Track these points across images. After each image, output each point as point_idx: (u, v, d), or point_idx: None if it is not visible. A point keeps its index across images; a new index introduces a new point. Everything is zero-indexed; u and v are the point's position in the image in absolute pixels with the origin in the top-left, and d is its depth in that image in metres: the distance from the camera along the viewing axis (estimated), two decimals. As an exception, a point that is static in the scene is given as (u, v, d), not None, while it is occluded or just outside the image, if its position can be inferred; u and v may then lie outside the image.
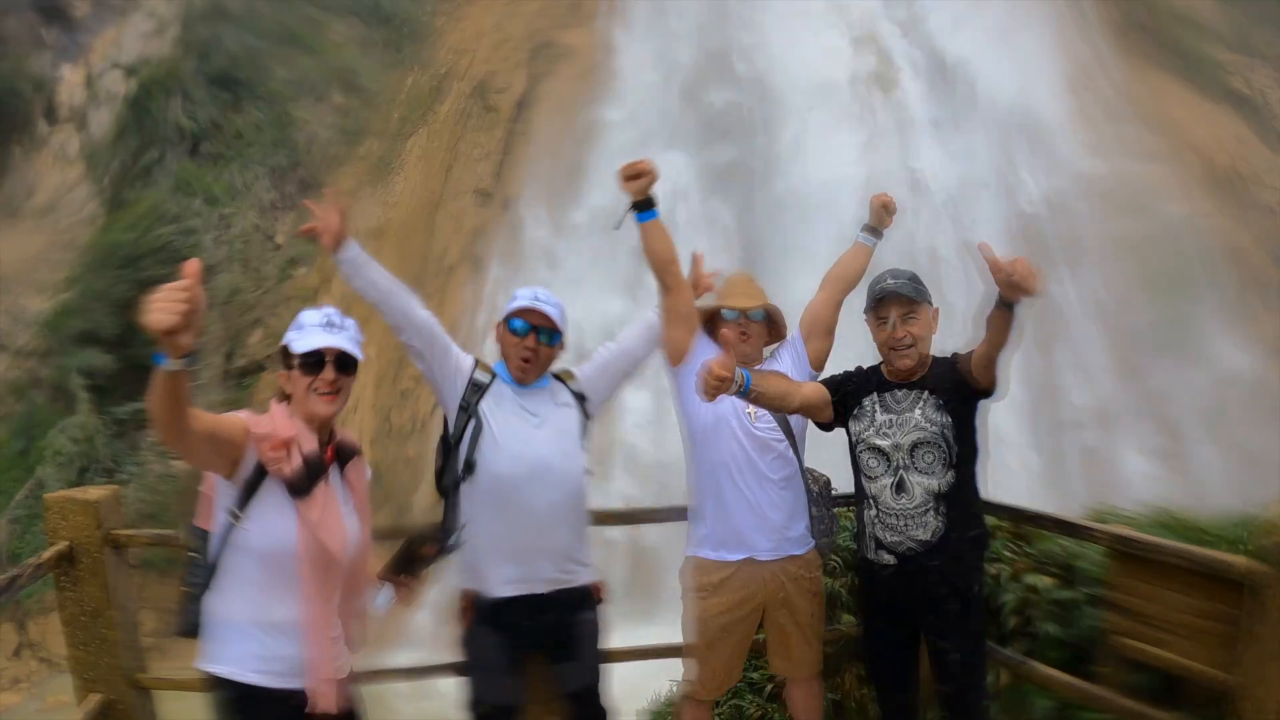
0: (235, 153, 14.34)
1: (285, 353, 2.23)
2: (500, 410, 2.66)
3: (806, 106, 13.12)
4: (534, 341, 2.69)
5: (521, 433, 2.64)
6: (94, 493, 3.14)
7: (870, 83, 13.50)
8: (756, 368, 2.91)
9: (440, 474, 2.72)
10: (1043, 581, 3.45)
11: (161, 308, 1.67)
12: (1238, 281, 11.79)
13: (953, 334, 3.03)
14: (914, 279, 2.79)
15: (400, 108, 15.07)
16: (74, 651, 3.18)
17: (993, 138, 12.79)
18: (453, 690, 2.78)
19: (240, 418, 2.14)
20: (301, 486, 2.13)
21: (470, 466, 2.60)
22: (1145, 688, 2.93)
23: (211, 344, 12.32)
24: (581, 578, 2.74)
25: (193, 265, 1.72)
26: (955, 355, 2.82)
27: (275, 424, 2.15)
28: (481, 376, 2.71)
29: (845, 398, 2.88)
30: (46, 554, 3.03)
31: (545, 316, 2.70)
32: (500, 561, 2.61)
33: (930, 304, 2.80)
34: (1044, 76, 13.29)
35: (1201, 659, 2.68)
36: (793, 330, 3.11)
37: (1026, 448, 10.62)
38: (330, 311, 2.26)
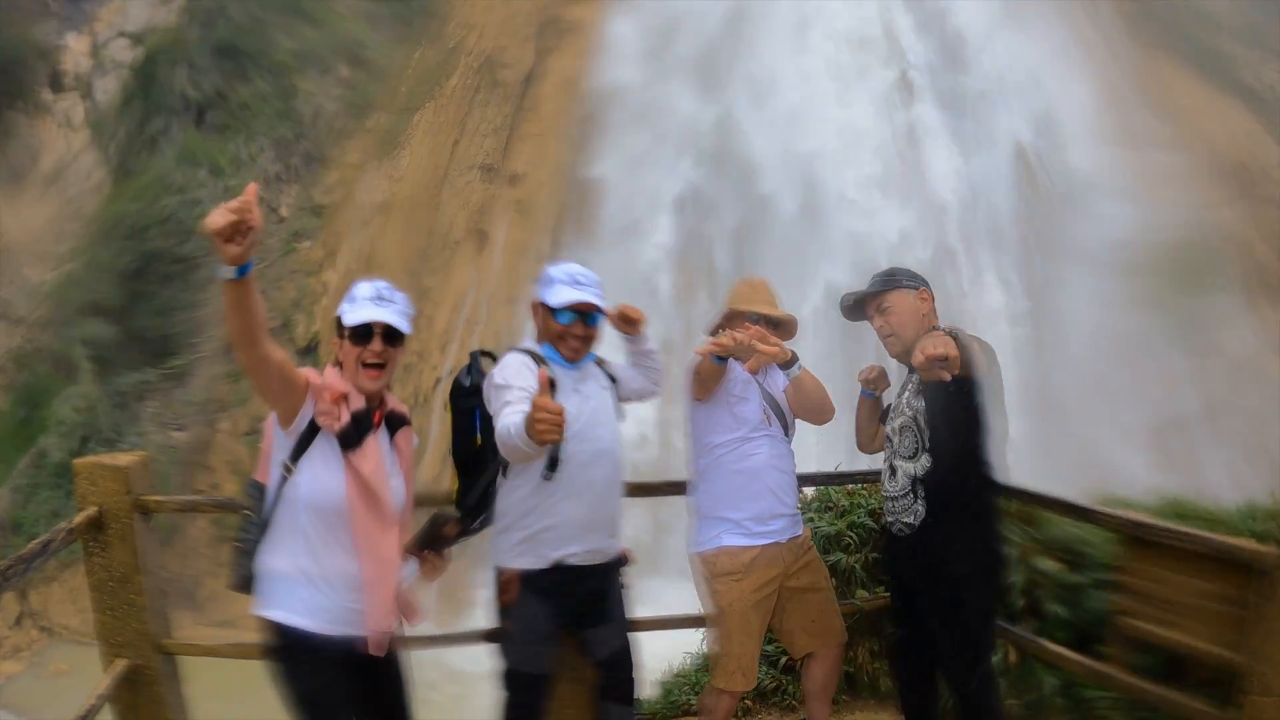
0: (240, 124, 14.22)
1: (338, 322, 2.35)
2: (560, 396, 2.60)
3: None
4: (581, 329, 2.70)
5: (582, 415, 2.66)
6: (124, 458, 3.17)
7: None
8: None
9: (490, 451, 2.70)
10: (1050, 565, 3.52)
11: (218, 214, 1.91)
12: (1243, 274, 11.83)
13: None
14: (886, 274, 2.90)
15: (408, 82, 14.95)
16: (101, 616, 3.20)
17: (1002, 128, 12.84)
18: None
19: (304, 370, 2.28)
20: (351, 438, 2.26)
21: (553, 463, 2.59)
22: (1150, 668, 3.00)
23: (214, 318, 12.32)
24: (617, 546, 2.82)
25: (252, 188, 1.94)
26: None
27: (331, 381, 2.30)
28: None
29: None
30: (77, 519, 3.04)
31: (589, 303, 2.67)
32: (568, 537, 2.65)
33: (908, 287, 2.86)
34: (1055, 64, 13.27)
35: (1209, 640, 2.74)
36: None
37: (1025, 437, 10.67)
38: (382, 285, 2.38)
